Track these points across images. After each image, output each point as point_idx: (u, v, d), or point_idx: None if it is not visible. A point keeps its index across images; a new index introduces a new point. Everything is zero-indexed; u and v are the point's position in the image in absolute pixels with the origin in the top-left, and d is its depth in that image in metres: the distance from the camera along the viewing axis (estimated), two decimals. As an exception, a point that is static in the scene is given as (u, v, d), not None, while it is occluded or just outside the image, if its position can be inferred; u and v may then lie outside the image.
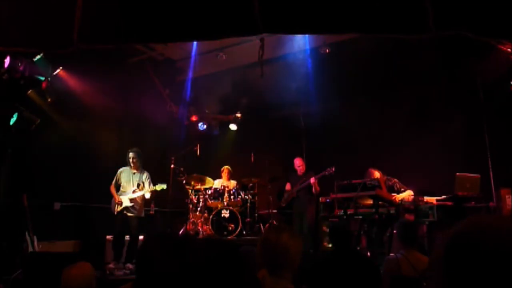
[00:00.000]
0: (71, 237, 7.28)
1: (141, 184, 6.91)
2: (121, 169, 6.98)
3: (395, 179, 6.52)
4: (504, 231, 0.83)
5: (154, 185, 6.96)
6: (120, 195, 6.77)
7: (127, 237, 6.93)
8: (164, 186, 7.07)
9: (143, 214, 7.00)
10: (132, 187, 6.85)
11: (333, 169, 7.09)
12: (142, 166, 7.07)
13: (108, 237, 7.16)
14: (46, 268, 4.44)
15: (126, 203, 6.72)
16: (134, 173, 6.93)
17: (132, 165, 6.92)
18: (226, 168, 8.62)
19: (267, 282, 2.06)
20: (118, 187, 6.88)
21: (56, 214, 7.41)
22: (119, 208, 6.68)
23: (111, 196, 6.86)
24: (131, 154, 6.91)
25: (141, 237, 6.92)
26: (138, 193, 6.83)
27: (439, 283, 0.86)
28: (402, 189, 6.41)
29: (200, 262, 1.48)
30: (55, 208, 7.42)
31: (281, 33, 5.87)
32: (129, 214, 6.76)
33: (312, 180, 7.32)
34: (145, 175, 7.03)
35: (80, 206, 7.64)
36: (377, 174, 6.51)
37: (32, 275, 4.68)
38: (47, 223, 6.91)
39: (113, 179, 6.97)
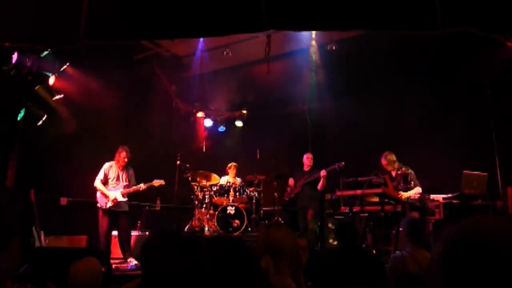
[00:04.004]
0: (77, 232, 7.32)
1: (130, 180, 6.94)
2: (108, 164, 6.89)
3: (411, 171, 6.51)
4: (506, 233, 0.81)
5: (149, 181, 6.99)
6: (109, 190, 6.74)
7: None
8: (162, 182, 7.07)
9: (128, 208, 6.98)
10: (123, 182, 6.84)
11: (343, 163, 7.09)
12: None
13: (114, 232, 7.17)
14: (53, 263, 4.47)
15: (120, 198, 6.70)
16: (121, 169, 6.91)
17: (123, 163, 6.87)
18: (233, 165, 8.63)
19: (270, 269, 2.09)
20: (105, 182, 6.81)
21: (63, 209, 7.46)
22: (112, 203, 6.66)
23: None
24: (126, 153, 6.87)
25: (146, 233, 6.94)
26: (133, 188, 6.83)
27: (437, 284, 0.84)
28: (412, 183, 6.39)
29: (209, 260, 1.48)
30: (62, 203, 7.46)
31: (288, 30, 5.86)
32: (120, 210, 6.74)
33: (323, 173, 7.30)
34: (131, 171, 7.03)
35: (86, 201, 7.67)
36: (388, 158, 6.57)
37: (39, 270, 4.71)
38: (54, 218, 6.95)
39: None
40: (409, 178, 6.42)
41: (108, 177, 6.82)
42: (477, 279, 0.78)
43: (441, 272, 0.83)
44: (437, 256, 0.85)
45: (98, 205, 6.71)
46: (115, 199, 6.65)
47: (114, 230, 6.96)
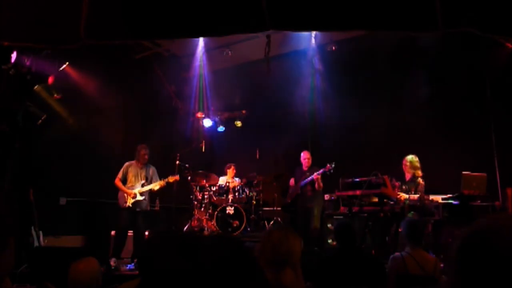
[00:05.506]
0: (76, 232, 7.32)
1: (150, 179, 6.95)
2: (127, 163, 6.95)
3: (423, 183, 6.36)
4: None
5: (161, 178, 7.01)
6: (128, 189, 6.77)
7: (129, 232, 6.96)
8: (177, 178, 7.13)
9: (149, 208, 7.02)
10: (141, 181, 6.86)
11: (333, 165, 7.05)
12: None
13: (114, 232, 7.16)
14: (52, 263, 4.46)
15: (138, 197, 6.74)
16: (141, 168, 6.94)
17: (142, 160, 6.93)
18: (232, 166, 8.62)
19: (294, 281, 2.07)
20: (124, 181, 6.87)
21: (62, 209, 7.45)
22: (131, 202, 6.69)
23: (117, 191, 6.84)
24: (144, 150, 6.92)
25: (146, 232, 6.93)
26: (149, 186, 6.85)
27: (452, 281, 0.86)
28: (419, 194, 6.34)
29: (208, 260, 1.48)
30: (61, 203, 7.46)
31: (289, 30, 5.86)
32: (137, 209, 6.76)
33: (315, 176, 7.29)
34: (152, 170, 7.06)
35: (86, 201, 7.66)
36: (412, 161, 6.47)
37: (38, 269, 4.71)
38: (53, 218, 6.95)
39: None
40: (418, 188, 6.31)
41: (127, 176, 6.88)
42: (489, 274, 0.81)
43: (456, 267, 0.86)
44: (453, 251, 0.88)
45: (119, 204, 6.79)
46: (134, 194, 6.70)
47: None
